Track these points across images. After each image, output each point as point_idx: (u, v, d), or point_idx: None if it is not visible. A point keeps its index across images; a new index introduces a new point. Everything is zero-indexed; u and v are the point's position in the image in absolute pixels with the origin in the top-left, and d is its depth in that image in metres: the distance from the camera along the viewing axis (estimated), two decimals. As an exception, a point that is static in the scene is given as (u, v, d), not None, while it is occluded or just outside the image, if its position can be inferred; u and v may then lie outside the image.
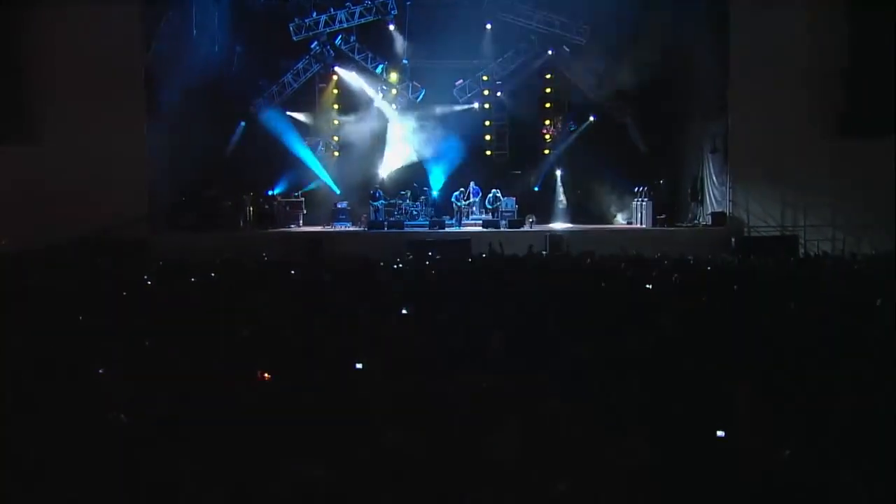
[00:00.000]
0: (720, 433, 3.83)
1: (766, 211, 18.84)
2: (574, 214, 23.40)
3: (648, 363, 4.93)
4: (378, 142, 24.62)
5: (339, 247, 17.70)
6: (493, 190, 22.41)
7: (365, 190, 23.00)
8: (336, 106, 24.30)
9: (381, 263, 10.73)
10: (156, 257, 13.88)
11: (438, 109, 23.77)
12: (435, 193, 24.02)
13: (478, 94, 24.06)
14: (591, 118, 23.39)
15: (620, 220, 23.18)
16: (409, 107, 24.02)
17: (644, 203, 21.33)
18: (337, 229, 21.81)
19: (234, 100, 22.78)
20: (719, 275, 11.22)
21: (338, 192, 24.07)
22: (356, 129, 24.03)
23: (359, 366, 4.95)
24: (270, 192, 22.71)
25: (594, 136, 23.01)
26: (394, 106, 24.20)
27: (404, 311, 6.78)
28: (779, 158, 18.18)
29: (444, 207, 23.04)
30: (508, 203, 22.39)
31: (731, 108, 18.97)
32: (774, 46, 18.28)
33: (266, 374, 4.86)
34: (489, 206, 22.39)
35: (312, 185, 23.73)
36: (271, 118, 23.17)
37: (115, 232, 17.24)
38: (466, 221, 22.23)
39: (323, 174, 23.90)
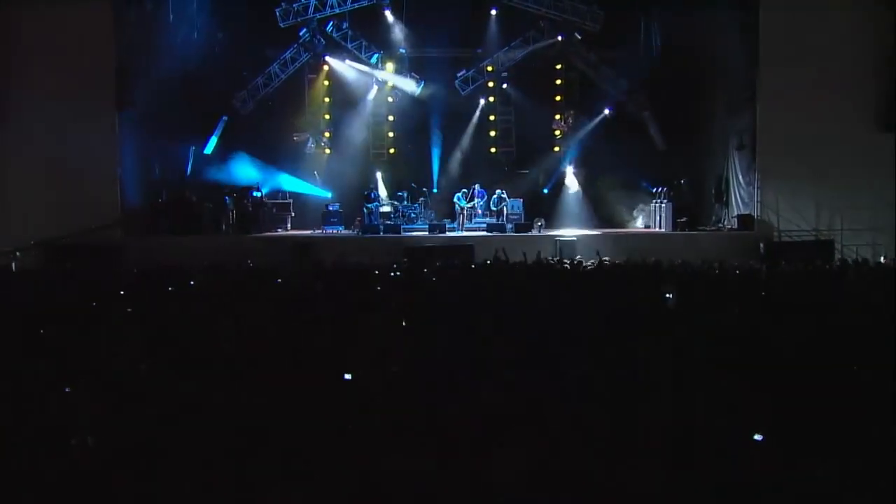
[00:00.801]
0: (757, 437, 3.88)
1: (798, 213, 18.80)
2: (587, 218, 23.38)
3: (666, 381, 4.93)
4: (373, 138, 24.72)
5: (331, 252, 17.65)
6: (498, 191, 22.44)
7: (359, 191, 23.01)
8: (327, 99, 24.29)
9: (377, 271, 10.72)
10: (130, 264, 13.87)
11: (438, 103, 23.79)
12: (435, 193, 24.16)
13: (482, 87, 24.08)
14: (606, 112, 23.43)
15: (638, 223, 23.17)
16: (406, 100, 24.08)
17: (663, 205, 21.32)
18: (328, 233, 21.83)
19: (216, 92, 22.76)
20: (747, 283, 11.20)
21: (329, 193, 24.17)
22: (349, 124, 24.07)
23: (347, 376, 5.02)
24: (255, 193, 22.74)
25: (609, 132, 23.00)
26: (390, 99, 24.23)
27: (404, 324, 6.79)
28: (813, 155, 18.10)
29: (445, 210, 23.10)
30: (515, 205, 22.39)
31: (760, 100, 18.90)
32: (810, 32, 18.18)
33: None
34: (494, 209, 22.43)
35: (301, 186, 23.90)
36: (256, 112, 23.30)
37: (85, 236, 17.26)
38: (469, 226, 22.25)
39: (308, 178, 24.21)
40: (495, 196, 22.28)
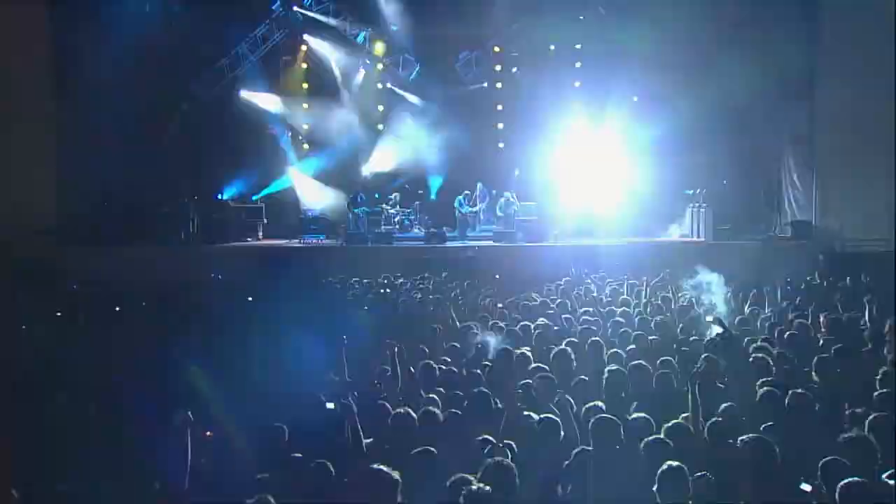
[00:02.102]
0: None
1: (866, 218, 18.59)
2: (612, 225, 23.32)
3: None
4: (360, 131, 24.47)
5: (310, 266, 17.59)
6: (506, 193, 22.28)
7: (343, 193, 22.93)
8: (305, 85, 24.22)
9: (363, 284, 10.72)
10: (68, 280, 13.78)
11: (437, 90, 23.68)
12: (433, 197, 24.11)
13: (488, 71, 24.01)
14: (635, 100, 23.40)
15: (671, 231, 23.03)
16: (399, 87, 23.97)
17: (702, 210, 21.14)
18: (307, 243, 21.69)
19: (173, 77, 22.63)
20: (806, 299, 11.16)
21: (307, 195, 24.00)
22: (331, 115, 23.93)
23: (330, 406, 5.17)
24: (221, 197, 22.57)
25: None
26: (380, 85, 24.17)
27: (396, 348, 6.84)
28: (882, 151, 17.97)
29: (444, 215, 22.95)
30: (527, 210, 22.31)
31: (820, 86, 18.80)
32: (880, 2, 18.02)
33: (209, 433, 5.06)
34: (501, 214, 22.28)
35: (275, 188, 23.85)
36: (221, 100, 23.17)
37: (15, 247, 17.12)
38: (472, 234, 22.09)
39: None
40: (503, 199, 22.02)
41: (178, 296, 10.46)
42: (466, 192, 22.41)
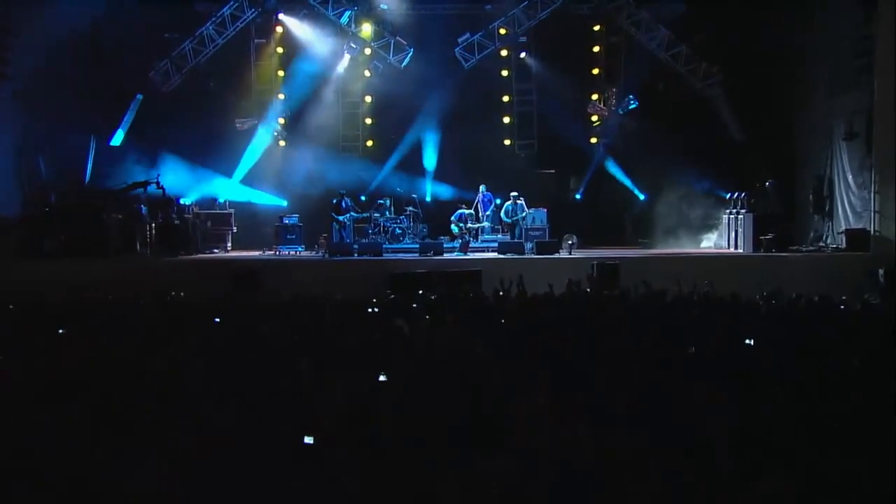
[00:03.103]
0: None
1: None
2: (635, 234, 23.23)
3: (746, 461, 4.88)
4: (344, 126, 24.66)
5: (286, 281, 17.49)
6: (513, 194, 22.17)
7: (325, 197, 22.87)
8: (281, 72, 24.23)
9: (348, 305, 10.62)
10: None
11: (434, 78, 23.61)
12: (428, 201, 24.10)
13: (492, 56, 24.01)
14: (660, 87, 23.44)
15: (706, 242, 23.05)
16: (390, 74, 23.94)
17: (741, 217, 21.13)
18: (283, 255, 21.66)
19: (125, 63, 22.55)
20: (865, 323, 10.98)
21: (284, 201, 23.99)
22: (312, 106, 24.06)
23: (308, 440, 5.20)
24: (183, 201, 22.52)
25: (665, 118, 22.84)
26: (367, 73, 24.17)
27: (381, 378, 6.73)
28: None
29: (441, 222, 22.92)
30: (537, 217, 22.19)
31: (881, 74, 18.73)
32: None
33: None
34: (507, 220, 22.20)
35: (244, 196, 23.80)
36: (184, 90, 23.13)
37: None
38: (474, 245, 22.04)
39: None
40: (509, 204, 22.00)
41: (130, 319, 10.33)
42: (462, 211, 22.11)
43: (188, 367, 7.07)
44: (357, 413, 5.76)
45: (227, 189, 23.67)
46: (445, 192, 23.72)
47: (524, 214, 21.95)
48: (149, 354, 7.58)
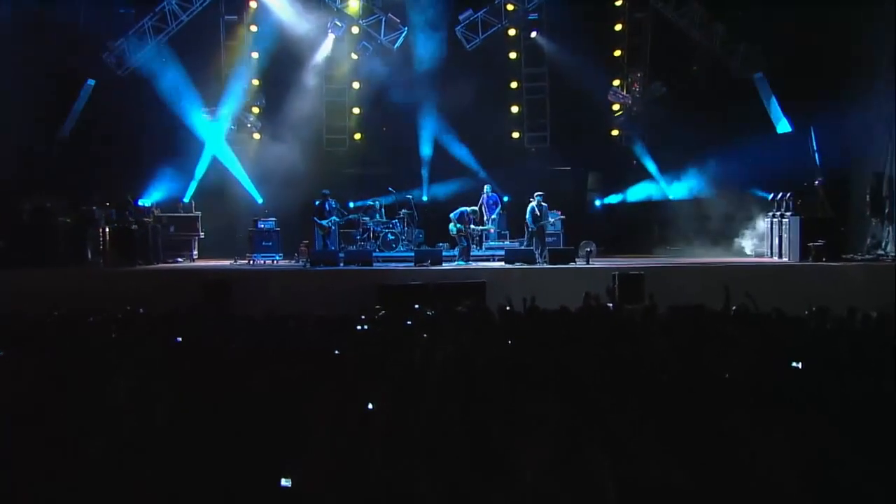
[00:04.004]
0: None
1: None
2: (663, 240, 23.22)
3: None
4: (329, 116, 24.77)
5: (262, 295, 17.48)
6: (538, 194, 21.73)
7: (306, 197, 22.82)
8: (255, 54, 24.21)
9: (332, 322, 10.57)
10: None
11: (432, 61, 23.72)
12: (424, 200, 24.15)
13: (499, 36, 24.09)
14: (694, 69, 23.39)
15: (745, 248, 23.02)
16: (381, 56, 24.01)
17: (787, 220, 21.09)
18: (258, 265, 21.66)
19: (76, 41, 22.52)
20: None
21: (259, 199, 24.06)
22: (291, 94, 24.12)
23: (285, 483, 5.16)
24: (142, 202, 22.48)
25: (699, 107, 22.84)
26: (355, 55, 24.22)
27: (370, 406, 6.67)
28: None
29: (439, 227, 22.78)
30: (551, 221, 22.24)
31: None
32: None
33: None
34: (533, 227, 21.53)
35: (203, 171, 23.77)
36: (142, 75, 23.01)
37: None
38: (477, 253, 22.03)
39: (237, 171, 24.00)
40: (534, 205, 21.36)
41: (79, 339, 10.27)
42: (462, 210, 21.76)
43: (146, 396, 7.00)
44: (342, 450, 5.70)
45: (194, 188, 23.59)
46: (444, 192, 23.68)
47: (553, 220, 21.75)
48: (100, 381, 7.51)
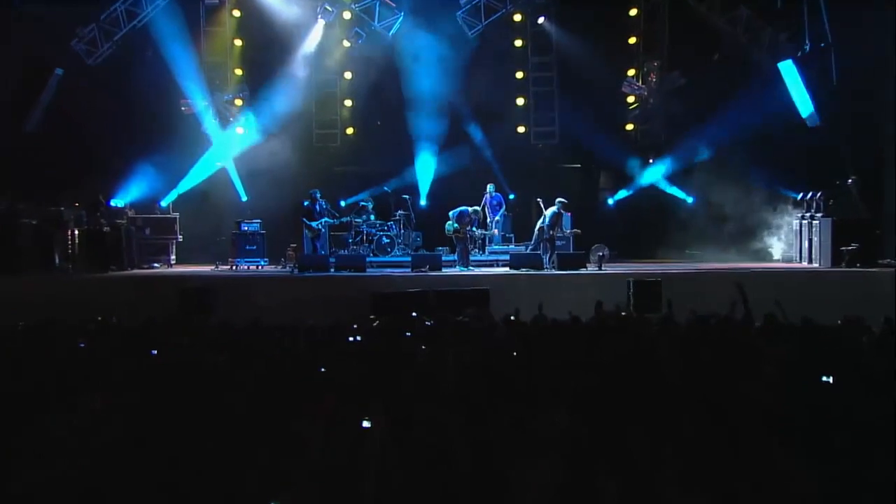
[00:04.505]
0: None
1: None
2: (682, 244, 23.23)
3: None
4: (318, 109, 24.84)
5: (246, 304, 17.46)
6: (560, 200, 21.65)
7: (294, 198, 22.88)
8: (238, 42, 24.36)
9: (323, 333, 10.54)
10: None
11: (430, 50, 23.66)
12: (423, 204, 24.15)
13: (503, 22, 24.14)
14: (716, 61, 23.46)
15: (771, 253, 22.99)
16: (375, 44, 24.05)
17: (817, 222, 21.07)
18: (241, 271, 21.69)
19: (41, 27, 22.36)
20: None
21: (243, 197, 24.19)
22: (277, 85, 24.07)
23: None
24: (114, 203, 22.49)
25: (721, 98, 22.67)
26: (347, 43, 24.28)
27: (365, 424, 6.64)
28: None
29: (439, 229, 22.70)
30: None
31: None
32: None
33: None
34: (555, 233, 21.48)
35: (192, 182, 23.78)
36: (115, 64, 23.06)
37: None
38: (479, 258, 22.07)
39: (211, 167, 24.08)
40: (553, 210, 21.25)
41: (47, 350, 10.25)
42: (463, 209, 21.48)
43: (117, 415, 6.96)
44: (334, 472, 5.67)
45: (170, 186, 23.69)
46: (444, 192, 23.59)
47: (568, 232, 21.59)
48: (67, 399, 7.48)
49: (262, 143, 23.90)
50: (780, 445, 6.10)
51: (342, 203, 23.63)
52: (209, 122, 24.05)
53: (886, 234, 21.51)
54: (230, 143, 24.37)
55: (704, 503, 5.28)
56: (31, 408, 7.23)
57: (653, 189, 24.39)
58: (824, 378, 8.40)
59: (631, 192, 24.65)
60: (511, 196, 23.19)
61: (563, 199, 21.14)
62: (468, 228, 21.25)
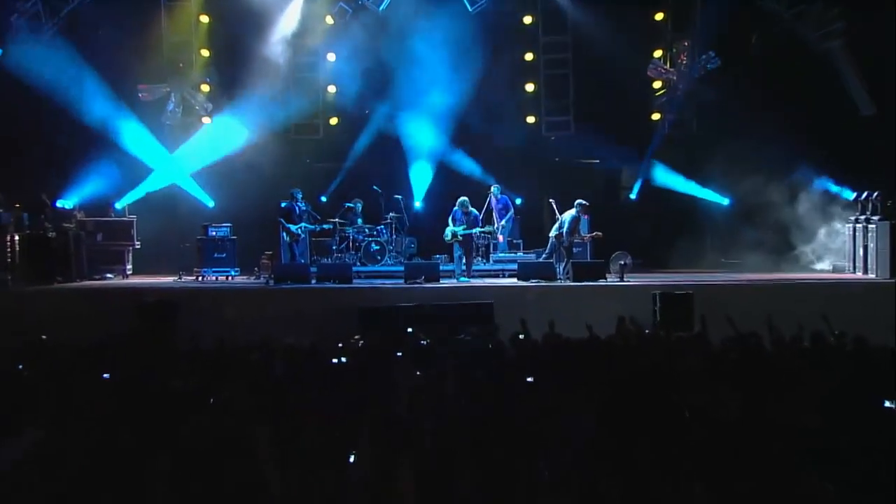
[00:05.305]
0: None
1: None
2: (717, 251, 23.25)
3: None
4: (297, 96, 24.76)
5: (214, 320, 17.45)
6: (580, 202, 21.66)
7: (270, 198, 22.91)
8: (206, 18, 24.33)
9: (303, 354, 10.54)
10: None
11: (426, 28, 23.69)
12: (418, 206, 24.29)
13: (511, -3, 24.30)
14: (756, 41, 23.44)
15: (821, 263, 22.98)
16: (363, 22, 24.08)
17: (873, 227, 21.07)
18: (208, 282, 21.75)
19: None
20: None
21: (210, 203, 24.21)
22: (249, 68, 24.10)
23: None
24: (61, 205, 22.48)
25: (760, 84, 22.88)
26: (330, 19, 24.27)
27: (352, 458, 6.65)
28: None
29: (435, 234, 22.73)
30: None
31: None
32: None
33: None
34: (565, 242, 21.70)
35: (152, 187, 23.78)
36: (61, 44, 22.97)
37: None
38: (481, 268, 22.18)
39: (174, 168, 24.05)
40: (572, 213, 21.10)
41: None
42: (463, 200, 21.53)
43: (63, 448, 6.95)
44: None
45: (127, 185, 23.74)
46: (441, 191, 23.61)
47: (587, 236, 21.56)
48: (3, 430, 7.47)
49: (232, 134, 23.82)
50: (821, 481, 6.11)
51: (323, 198, 23.63)
52: (171, 112, 23.97)
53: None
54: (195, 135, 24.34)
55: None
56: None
57: (683, 188, 24.32)
58: (886, 403, 8.39)
59: (655, 188, 24.56)
60: (518, 200, 23.13)
61: (583, 201, 21.14)
62: (476, 231, 21.22)
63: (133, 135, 23.69)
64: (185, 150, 24.32)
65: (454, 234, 21.27)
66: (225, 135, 24.12)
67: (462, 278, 21.00)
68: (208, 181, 24.18)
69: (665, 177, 24.49)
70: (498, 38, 24.24)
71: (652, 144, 24.56)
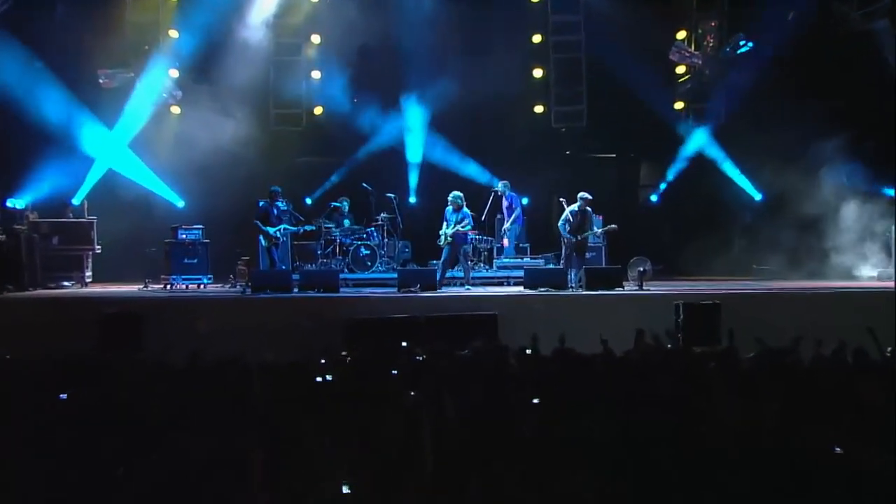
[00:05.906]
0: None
1: None
2: (747, 257, 23.29)
3: None
4: (277, 82, 24.95)
5: (184, 333, 17.46)
6: (583, 195, 21.65)
7: (246, 197, 23.02)
8: (175, -3, 24.45)
9: (284, 371, 10.56)
10: None
11: (423, 6, 23.76)
12: (412, 204, 24.44)
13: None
14: (791, 21, 23.37)
15: (865, 270, 22.96)
16: (348, 2, 24.17)
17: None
18: (178, 291, 21.75)
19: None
20: None
21: (179, 202, 24.29)
22: (224, 51, 24.26)
23: None
24: (11, 203, 22.45)
25: (797, 69, 23.00)
26: (314, -1, 24.52)
27: (345, 490, 6.68)
28: None
29: (432, 238, 22.71)
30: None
31: None
32: None
33: None
34: (568, 237, 21.49)
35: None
36: (14, 23, 22.88)
37: None
38: (483, 274, 22.26)
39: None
40: (573, 208, 21.23)
41: None
42: (456, 194, 21.49)
43: (13, 477, 6.97)
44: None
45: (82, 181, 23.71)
46: (439, 189, 23.61)
47: (599, 230, 21.62)
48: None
49: (205, 125, 23.80)
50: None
51: (308, 200, 23.66)
52: (135, 99, 23.99)
53: None
54: (163, 126, 24.37)
55: None
56: None
57: (709, 185, 24.30)
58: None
59: (678, 188, 24.58)
60: (524, 200, 23.16)
61: (586, 195, 21.07)
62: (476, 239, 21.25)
63: (91, 128, 23.70)
64: (146, 140, 24.24)
65: (445, 237, 21.28)
66: (196, 125, 23.99)
67: (462, 283, 21.01)
68: (177, 178, 24.09)
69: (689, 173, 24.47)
70: (503, 17, 24.35)
71: (676, 145, 24.47)
